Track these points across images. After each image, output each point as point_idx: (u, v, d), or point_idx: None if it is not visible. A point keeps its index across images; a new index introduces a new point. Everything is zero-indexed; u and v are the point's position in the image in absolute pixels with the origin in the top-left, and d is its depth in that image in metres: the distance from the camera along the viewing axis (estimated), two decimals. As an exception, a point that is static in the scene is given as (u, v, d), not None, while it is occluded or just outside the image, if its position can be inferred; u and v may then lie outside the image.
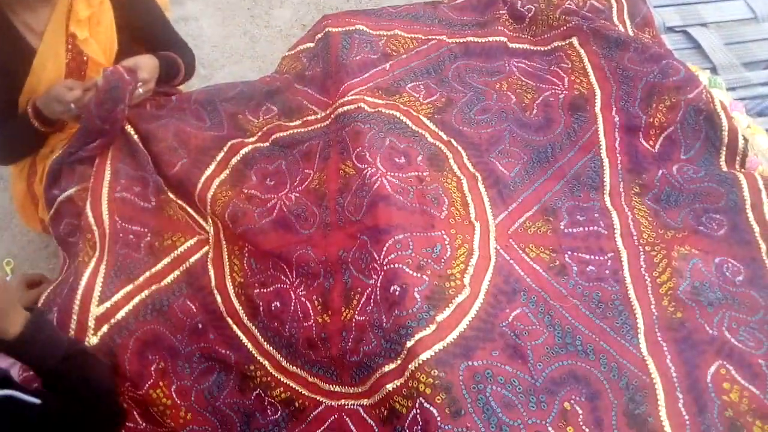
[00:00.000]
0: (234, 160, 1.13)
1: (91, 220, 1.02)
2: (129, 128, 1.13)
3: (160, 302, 0.98)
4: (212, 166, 1.13)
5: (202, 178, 1.12)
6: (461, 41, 1.26)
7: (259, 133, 1.17)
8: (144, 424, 0.96)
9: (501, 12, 1.31)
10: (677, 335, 0.87)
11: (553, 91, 1.17)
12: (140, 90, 1.18)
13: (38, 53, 1.20)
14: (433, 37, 1.27)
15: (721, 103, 1.14)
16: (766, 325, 0.89)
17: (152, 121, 1.20)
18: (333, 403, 0.92)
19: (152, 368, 0.95)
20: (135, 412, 0.96)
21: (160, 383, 0.95)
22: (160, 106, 1.24)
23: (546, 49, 1.26)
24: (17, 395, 0.73)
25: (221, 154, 1.14)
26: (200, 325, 0.99)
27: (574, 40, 1.24)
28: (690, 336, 0.87)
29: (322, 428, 0.91)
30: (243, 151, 1.14)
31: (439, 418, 0.77)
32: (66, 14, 1.20)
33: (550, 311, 0.90)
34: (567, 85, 1.18)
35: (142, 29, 1.30)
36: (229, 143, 1.15)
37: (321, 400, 0.93)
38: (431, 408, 0.78)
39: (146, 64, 1.21)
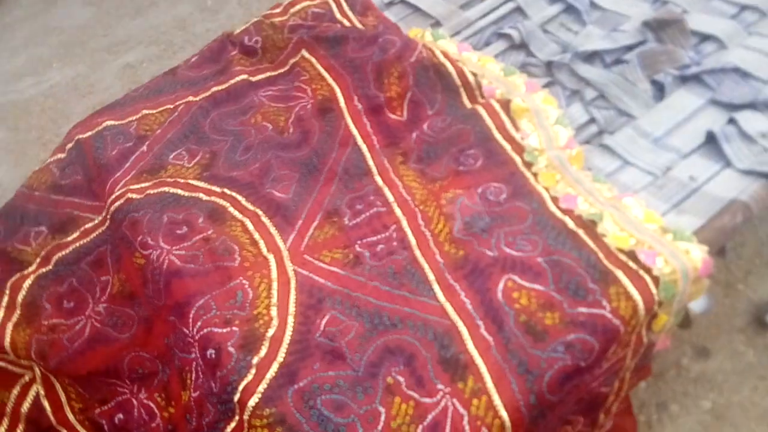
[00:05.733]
0: (20, 298, 1.11)
1: None
2: None
3: None
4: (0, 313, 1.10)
5: None
6: (207, 95, 1.30)
7: (38, 260, 1.15)
8: None
9: (233, 54, 1.36)
10: (464, 271, 0.95)
11: (301, 104, 1.24)
12: None
13: None
14: (180, 102, 1.30)
15: (443, 53, 1.24)
16: (536, 226, 0.99)
17: None
18: None
19: None
20: None
21: None
22: None
23: (285, 69, 1.32)
24: None
25: (5, 298, 1.11)
26: None
27: (304, 52, 1.31)
28: (475, 267, 0.95)
29: None
30: (26, 285, 1.12)
31: (281, 451, 0.81)
32: None
33: (355, 303, 0.95)
34: (311, 94, 1.25)
35: None
36: (9, 283, 1.13)
37: None
38: None
39: None
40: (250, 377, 0.88)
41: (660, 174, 1.03)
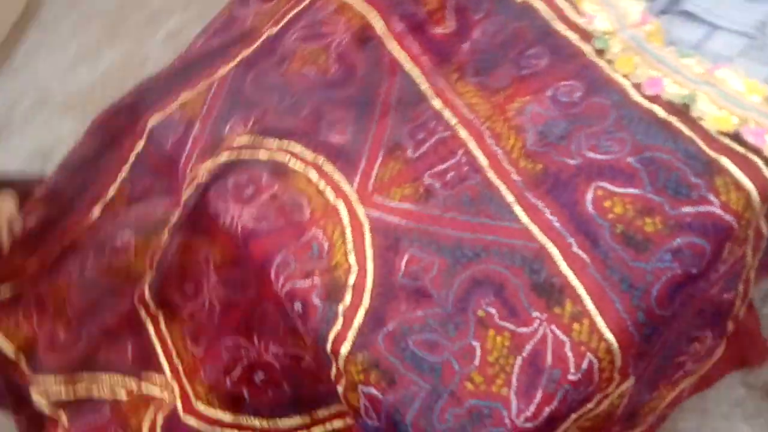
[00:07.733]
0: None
1: None
2: None
3: None
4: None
5: None
6: (236, 62, 1.23)
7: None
8: None
9: (253, 8, 1.30)
10: (546, 186, 0.87)
11: (336, 40, 1.16)
12: None
13: None
14: (215, 77, 1.23)
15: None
16: (620, 122, 0.88)
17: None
18: None
19: None
20: None
21: None
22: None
23: (305, 4, 1.23)
24: None
25: None
26: None
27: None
28: (557, 180, 0.87)
29: None
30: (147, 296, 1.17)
31: (380, 395, 0.80)
32: None
33: (433, 238, 0.90)
34: (343, 27, 1.16)
35: None
36: None
37: None
38: (371, 389, 0.81)
39: None
40: (338, 326, 0.86)
41: (756, 33, 0.88)
